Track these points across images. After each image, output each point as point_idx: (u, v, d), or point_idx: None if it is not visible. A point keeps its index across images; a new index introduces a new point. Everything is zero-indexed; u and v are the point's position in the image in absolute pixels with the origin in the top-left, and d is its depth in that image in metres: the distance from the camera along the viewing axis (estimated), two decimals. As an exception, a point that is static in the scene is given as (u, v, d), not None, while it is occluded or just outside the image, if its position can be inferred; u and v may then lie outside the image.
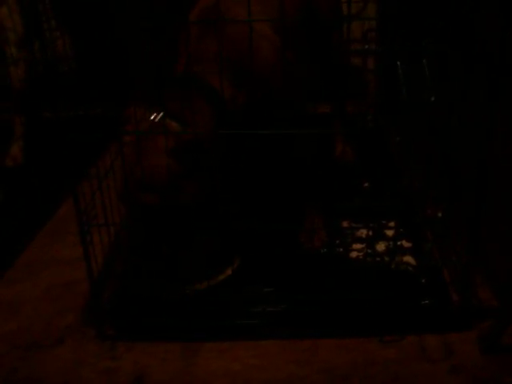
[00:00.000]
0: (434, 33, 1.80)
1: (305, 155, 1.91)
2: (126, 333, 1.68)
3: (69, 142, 1.58)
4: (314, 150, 1.93)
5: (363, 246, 1.86)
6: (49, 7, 2.74)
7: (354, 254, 1.84)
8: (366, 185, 2.21)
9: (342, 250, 1.87)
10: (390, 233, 1.93)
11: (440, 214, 1.83)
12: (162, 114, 1.58)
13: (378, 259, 1.81)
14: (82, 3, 2.53)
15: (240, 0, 1.54)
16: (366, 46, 2.67)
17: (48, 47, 2.63)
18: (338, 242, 1.90)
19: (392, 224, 1.96)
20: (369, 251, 1.85)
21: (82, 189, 1.57)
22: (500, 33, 1.34)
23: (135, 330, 1.68)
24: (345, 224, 1.98)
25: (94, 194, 1.61)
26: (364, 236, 1.90)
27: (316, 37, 2.07)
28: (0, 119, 2.60)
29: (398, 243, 1.87)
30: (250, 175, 2.10)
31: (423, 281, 1.71)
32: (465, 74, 1.66)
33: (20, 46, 2.50)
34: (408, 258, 1.80)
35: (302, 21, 1.90)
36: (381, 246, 1.87)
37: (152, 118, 1.59)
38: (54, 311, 1.78)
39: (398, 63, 1.87)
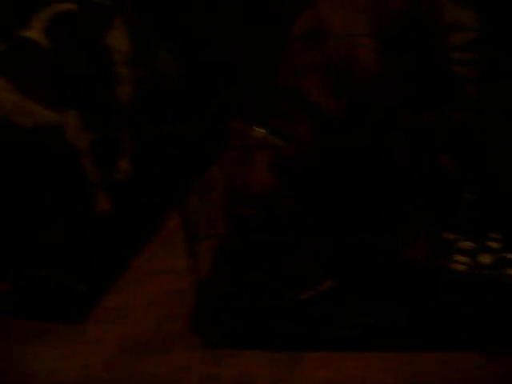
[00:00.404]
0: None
1: (407, 164, 1.90)
2: (231, 341, 1.72)
3: (175, 157, 1.65)
4: (417, 159, 1.91)
5: (467, 258, 1.83)
6: (154, 28, 2.87)
7: (457, 267, 1.81)
8: (468, 195, 2.16)
9: (445, 261, 1.84)
10: (495, 245, 1.88)
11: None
12: (265, 129, 1.62)
13: (483, 272, 1.77)
14: (186, 23, 2.63)
15: (340, 11, 1.55)
16: (464, 58, 2.61)
17: (154, 66, 2.74)
18: (440, 253, 1.87)
19: (497, 236, 1.91)
20: (473, 263, 1.81)
21: (189, 201, 1.63)
22: None
23: (239, 338, 1.72)
24: (448, 235, 1.95)
25: (201, 206, 1.67)
26: (468, 248, 1.87)
27: (418, 44, 2.06)
28: (109, 135, 2.73)
29: (505, 255, 1.82)
30: (350, 186, 2.10)
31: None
32: None
33: (128, 65, 2.63)
34: (514, 271, 1.75)
35: (403, 31, 1.89)
36: (486, 259, 1.82)
37: (255, 133, 1.63)
38: (162, 318, 1.86)
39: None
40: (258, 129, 1.63)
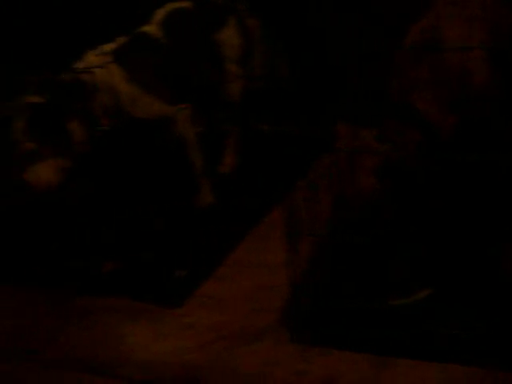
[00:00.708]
0: None
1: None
2: (321, 338, 1.75)
3: (281, 155, 1.69)
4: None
5: None
6: (273, 29, 2.92)
7: None
8: None
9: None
10: None
11: None
12: (372, 133, 1.63)
13: None
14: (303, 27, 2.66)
15: (456, 21, 1.53)
16: None
17: (267, 66, 2.80)
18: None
19: None
20: None
21: (293, 199, 1.67)
22: None
23: (329, 337, 1.74)
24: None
25: (305, 204, 1.70)
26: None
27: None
28: (217, 129, 2.81)
29: None
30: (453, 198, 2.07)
31: None
32: None
33: (238, 62, 2.70)
34: None
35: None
36: None
37: (363, 136, 1.65)
38: (255, 310, 1.92)
39: None
40: (365, 132, 1.65)
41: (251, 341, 1.80)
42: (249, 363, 1.73)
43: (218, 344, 1.80)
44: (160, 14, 2.54)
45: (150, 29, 2.48)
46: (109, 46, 2.34)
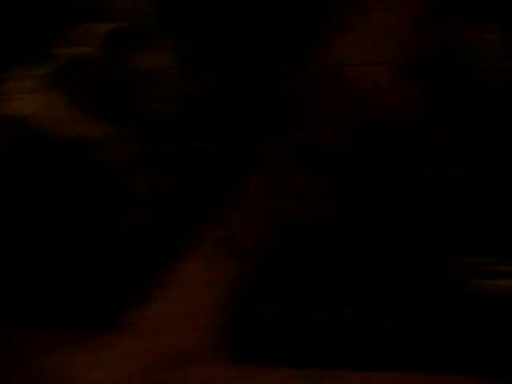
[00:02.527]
0: None
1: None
2: (260, 356, 1.72)
3: (213, 171, 1.66)
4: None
5: (508, 281, 1.80)
6: (193, 46, 2.90)
7: (497, 290, 1.79)
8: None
9: (487, 286, 1.81)
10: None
11: None
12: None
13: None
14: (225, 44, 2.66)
15: (356, 39, 1.53)
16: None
17: (192, 83, 2.77)
18: (482, 277, 1.85)
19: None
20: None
21: (230, 215, 1.64)
22: None
23: (269, 354, 1.72)
24: (487, 259, 1.92)
25: (236, 220, 1.67)
26: (508, 271, 1.84)
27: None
28: (146, 149, 2.75)
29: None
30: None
31: None
32: None
33: (163, 81, 2.67)
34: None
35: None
36: (527, 282, 1.80)
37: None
38: (195, 330, 1.86)
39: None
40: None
41: (192, 362, 1.75)
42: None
43: (159, 368, 1.73)
44: (95, 33, 2.49)
45: (86, 50, 2.42)
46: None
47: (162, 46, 2.68)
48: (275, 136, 2.02)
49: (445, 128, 2.03)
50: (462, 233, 1.96)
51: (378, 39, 1.69)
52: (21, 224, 2.21)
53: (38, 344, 1.90)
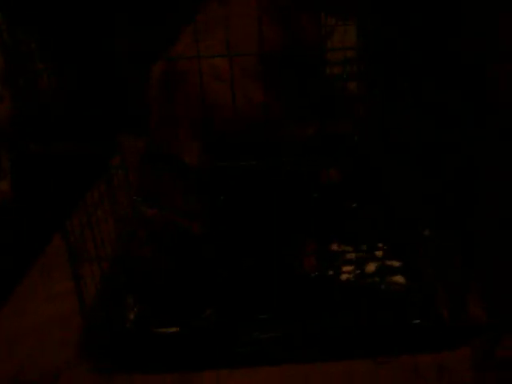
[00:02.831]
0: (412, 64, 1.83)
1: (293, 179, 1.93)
2: (123, 365, 1.68)
3: (58, 177, 1.60)
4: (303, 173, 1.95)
5: (353, 267, 1.88)
6: (34, 43, 2.76)
7: (344, 277, 1.86)
8: (354, 205, 2.22)
9: (332, 272, 1.88)
10: (379, 253, 1.94)
11: (427, 233, 1.85)
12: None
13: (368, 280, 1.82)
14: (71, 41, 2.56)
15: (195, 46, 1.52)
16: (345, 75, 2.71)
17: (33, 83, 2.65)
18: (328, 264, 1.91)
19: (381, 244, 1.98)
20: (359, 273, 1.86)
21: (71, 222, 1.58)
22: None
23: (132, 363, 1.68)
24: (334, 246, 1.99)
25: (83, 227, 1.62)
26: (354, 257, 1.92)
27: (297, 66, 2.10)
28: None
29: (388, 263, 1.88)
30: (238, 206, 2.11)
31: (414, 300, 1.72)
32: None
33: (3, 82, 2.52)
34: (398, 278, 1.81)
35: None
36: (371, 267, 1.88)
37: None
38: (50, 345, 1.78)
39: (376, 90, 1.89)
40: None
41: (48, 381, 1.67)
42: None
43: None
44: None
45: None
46: None
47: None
48: (131, 135, 1.96)
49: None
50: (312, 223, 2.02)
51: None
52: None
53: None
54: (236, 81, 1.60)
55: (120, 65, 2.33)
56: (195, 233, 1.64)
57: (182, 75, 1.63)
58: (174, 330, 1.68)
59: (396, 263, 1.87)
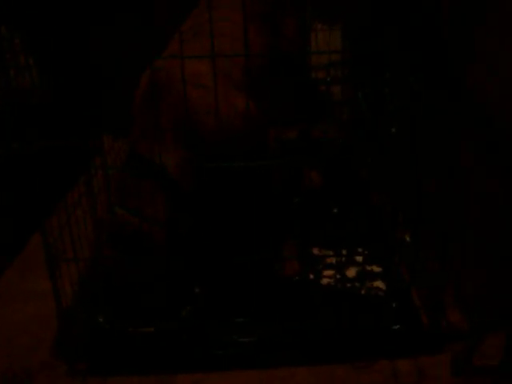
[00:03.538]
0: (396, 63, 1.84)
1: (275, 184, 1.93)
2: (98, 367, 1.66)
3: (37, 174, 1.58)
4: (284, 177, 1.95)
5: (334, 272, 1.88)
6: (16, 39, 2.74)
7: (325, 281, 1.85)
8: (335, 210, 2.22)
9: (313, 276, 1.87)
10: (360, 258, 1.94)
11: (408, 238, 1.86)
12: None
13: (348, 285, 1.82)
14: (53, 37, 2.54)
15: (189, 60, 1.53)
16: (328, 79, 2.71)
17: (11, 79, 2.62)
18: (309, 269, 1.91)
19: (361, 249, 1.98)
20: (339, 277, 1.86)
21: (50, 222, 1.56)
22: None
23: (107, 365, 1.67)
24: (315, 251, 1.99)
25: (62, 228, 1.60)
26: (334, 262, 1.91)
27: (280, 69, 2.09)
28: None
29: (368, 268, 1.88)
30: (221, 208, 2.10)
31: (394, 305, 1.73)
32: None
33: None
34: (378, 283, 1.82)
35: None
36: (351, 272, 1.88)
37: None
38: (28, 346, 1.75)
39: (360, 94, 1.90)
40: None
41: (23, 382, 1.64)
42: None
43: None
44: None
45: None
46: None
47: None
48: (114, 136, 1.95)
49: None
50: (294, 227, 2.02)
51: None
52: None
53: None
54: (220, 88, 1.61)
55: (106, 64, 2.32)
56: (156, 239, 1.63)
57: (166, 84, 1.63)
58: (148, 330, 1.67)
59: (376, 268, 1.88)
